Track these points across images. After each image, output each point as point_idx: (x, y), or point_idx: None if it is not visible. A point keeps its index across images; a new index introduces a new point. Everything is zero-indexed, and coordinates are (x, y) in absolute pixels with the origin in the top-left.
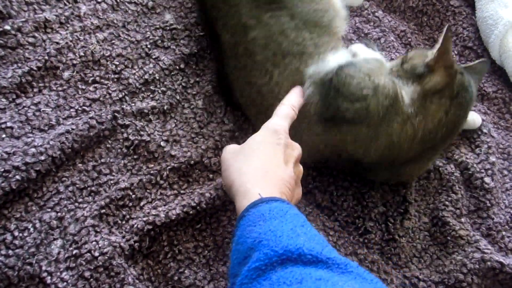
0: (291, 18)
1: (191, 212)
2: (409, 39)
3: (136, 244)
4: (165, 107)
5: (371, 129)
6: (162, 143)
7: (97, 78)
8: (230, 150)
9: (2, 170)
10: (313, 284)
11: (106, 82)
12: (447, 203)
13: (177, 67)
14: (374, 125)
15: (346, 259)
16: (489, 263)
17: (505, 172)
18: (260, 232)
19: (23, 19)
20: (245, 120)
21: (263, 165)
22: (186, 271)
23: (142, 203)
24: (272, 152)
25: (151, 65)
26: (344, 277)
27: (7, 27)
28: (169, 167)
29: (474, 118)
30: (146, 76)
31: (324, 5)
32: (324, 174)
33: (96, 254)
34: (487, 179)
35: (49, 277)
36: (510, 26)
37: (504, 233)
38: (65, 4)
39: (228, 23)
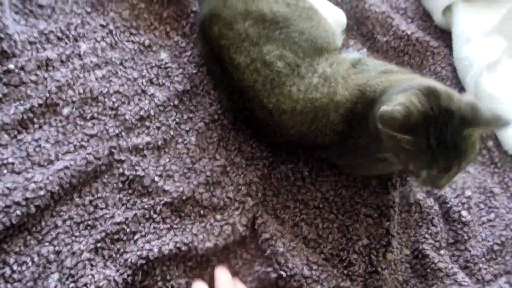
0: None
1: (183, 248)
2: None
3: (129, 278)
4: (159, 143)
5: None
6: (156, 178)
7: (95, 114)
8: None
9: (3, 205)
10: None
11: (103, 118)
12: (427, 235)
13: (171, 104)
14: None
15: None
16: None
17: (482, 205)
18: None
19: (26, 58)
20: (237, 154)
21: None
22: None
23: (136, 237)
24: None
25: (146, 102)
26: None
27: (11, 66)
28: (162, 202)
29: None
30: (142, 112)
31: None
32: (310, 207)
33: (92, 287)
34: (464, 213)
35: None
36: (484, 68)
37: (481, 265)
38: (66, 43)
39: (241, 45)
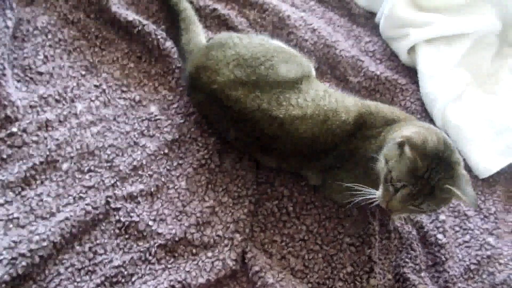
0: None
1: (177, 286)
2: None
3: None
4: (152, 189)
5: None
6: (150, 222)
7: (92, 167)
8: None
9: (10, 257)
10: None
11: (99, 170)
12: (407, 260)
13: (162, 152)
14: None
15: None
16: None
17: (457, 228)
18: None
19: (28, 121)
20: (225, 194)
21: None
22: None
23: (133, 279)
24: None
25: (139, 152)
26: None
27: (14, 129)
28: (156, 244)
29: None
30: (135, 163)
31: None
32: (296, 240)
33: None
34: (439, 236)
35: None
36: (449, 100)
37: (459, 284)
38: (63, 104)
39: (233, 84)
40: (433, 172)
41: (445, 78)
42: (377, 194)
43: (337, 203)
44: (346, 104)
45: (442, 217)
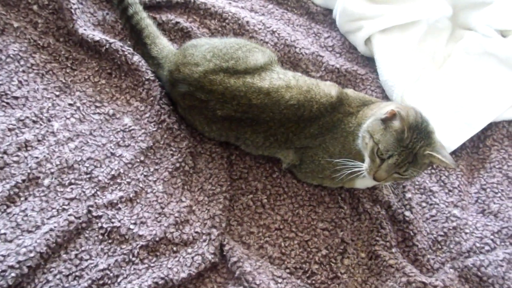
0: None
1: (160, 282)
2: None
3: None
4: (131, 195)
5: None
6: (131, 226)
7: (72, 180)
8: None
9: (0, 270)
10: None
11: (80, 182)
12: (378, 238)
13: (138, 160)
14: None
15: None
16: (414, 284)
17: (424, 204)
18: None
19: (8, 143)
20: (200, 194)
21: None
22: None
23: (119, 280)
24: None
25: (116, 162)
26: None
27: None
28: (138, 246)
29: None
30: (113, 172)
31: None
32: (272, 229)
33: None
34: (406, 213)
35: None
36: (406, 85)
37: (428, 256)
38: (40, 125)
39: (214, 72)
40: (415, 141)
41: (401, 64)
42: (364, 166)
43: (311, 184)
44: (325, 84)
45: (408, 195)
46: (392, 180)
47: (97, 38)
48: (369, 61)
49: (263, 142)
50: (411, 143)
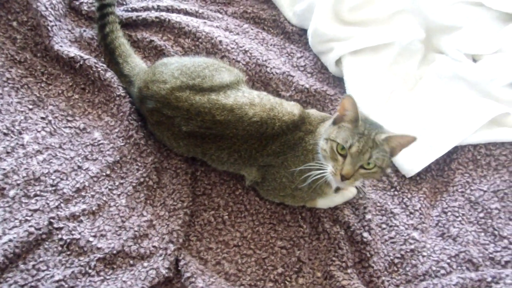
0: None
1: None
2: None
3: None
4: (94, 208)
5: None
6: (91, 239)
7: (38, 192)
8: None
9: None
10: None
11: (45, 194)
12: (334, 258)
13: (104, 174)
14: None
15: None
16: None
17: (383, 226)
18: None
19: None
20: (162, 208)
21: None
22: None
23: None
24: None
25: (82, 175)
26: None
27: None
28: (96, 258)
29: (351, 190)
30: (78, 185)
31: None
32: (230, 246)
33: None
34: (365, 234)
35: None
36: (372, 107)
37: (383, 278)
38: (11, 137)
39: (181, 89)
40: (369, 128)
41: (370, 86)
42: (329, 169)
43: (273, 201)
44: (289, 103)
45: (368, 216)
46: (360, 178)
47: (72, 54)
48: (340, 82)
49: (227, 158)
50: (366, 130)
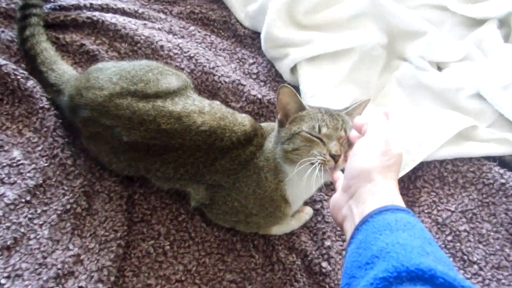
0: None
1: None
2: None
3: None
4: (8, 243)
5: None
6: (3, 281)
7: None
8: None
9: None
10: None
11: None
12: None
13: (23, 200)
14: None
15: None
16: None
17: (344, 253)
18: (387, 242)
19: None
20: (92, 240)
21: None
22: None
23: None
24: None
25: None
26: None
27: None
28: None
29: (306, 211)
30: None
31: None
32: (172, 281)
33: None
34: (324, 264)
35: None
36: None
37: None
38: None
39: (121, 95)
40: (324, 109)
41: (327, 97)
42: (316, 159)
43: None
44: (241, 115)
45: (327, 243)
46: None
47: None
48: (296, 91)
49: (173, 173)
50: (323, 110)
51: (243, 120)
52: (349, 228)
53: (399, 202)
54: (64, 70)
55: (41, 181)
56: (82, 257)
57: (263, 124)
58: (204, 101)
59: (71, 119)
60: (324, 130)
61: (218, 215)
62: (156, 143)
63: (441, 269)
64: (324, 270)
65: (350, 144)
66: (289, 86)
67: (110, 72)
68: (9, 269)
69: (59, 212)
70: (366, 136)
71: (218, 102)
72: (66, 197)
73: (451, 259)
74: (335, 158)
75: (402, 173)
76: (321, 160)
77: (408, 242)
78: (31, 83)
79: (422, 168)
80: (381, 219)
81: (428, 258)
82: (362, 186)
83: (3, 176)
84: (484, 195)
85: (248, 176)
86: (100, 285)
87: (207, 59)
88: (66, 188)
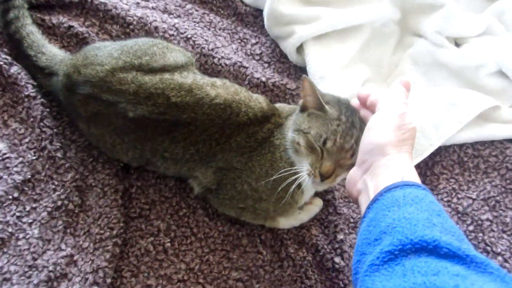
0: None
1: None
2: None
3: None
4: None
5: None
6: None
7: None
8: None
9: None
10: (450, 279)
11: None
12: None
13: (10, 197)
14: None
15: (486, 258)
16: None
17: None
18: (394, 218)
19: None
20: (86, 239)
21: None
22: None
23: None
24: None
25: None
26: (483, 277)
27: None
28: None
29: (316, 203)
30: None
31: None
32: (174, 281)
33: None
34: (336, 259)
35: None
36: None
37: None
38: None
39: (125, 70)
40: (347, 112)
41: (338, 78)
42: (304, 169)
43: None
44: (255, 94)
45: (340, 236)
46: (344, 174)
47: None
48: (303, 72)
49: (182, 154)
50: (343, 115)
51: (258, 98)
52: (363, 202)
53: (411, 175)
54: (54, 53)
55: (29, 176)
56: (75, 257)
57: (277, 104)
58: (213, 78)
59: (67, 101)
60: (329, 144)
61: (224, 201)
62: (166, 119)
63: (445, 239)
64: (337, 266)
65: (349, 167)
66: (309, 79)
67: (110, 48)
68: None
69: (49, 209)
70: (381, 111)
71: (227, 80)
72: (57, 193)
73: None
74: (321, 176)
75: (419, 159)
76: (308, 172)
77: (414, 215)
78: (15, 69)
79: (440, 153)
80: (390, 196)
81: (434, 229)
82: (376, 160)
83: None
84: (508, 181)
85: (263, 155)
86: (95, 287)
87: (206, 40)
88: (56, 183)
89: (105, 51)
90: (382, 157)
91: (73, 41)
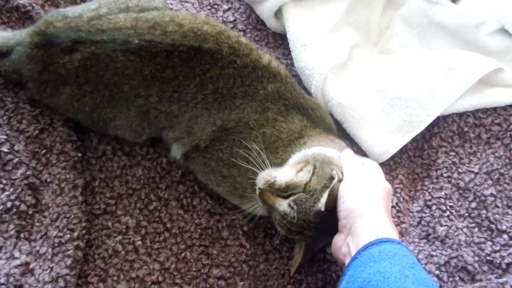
0: None
1: None
2: None
3: None
4: None
5: None
6: None
7: None
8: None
9: None
10: None
11: None
12: (289, 286)
13: None
14: None
15: None
16: None
17: None
18: (370, 273)
19: None
20: (43, 243)
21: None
22: None
23: None
24: None
25: None
26: None
27: None
28: None
29: None
30: None
31: None
32: (148, 283)
33: None
34: (328, 250)
35: None
36: (327, 73)
37: None
38: None
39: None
40: None
41: (322, 45)
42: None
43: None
44: None
45: None
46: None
47: None
48: (282, 41)
49: (194, 94)
50: None
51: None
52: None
53: (386, 231)
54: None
55: None
56: (31, 266)
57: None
58: None
59: (41, 66)
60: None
61: (210, 161)
62: (181, 49)
63: None
64: (329, 257)
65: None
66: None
67: (83, 5)
68: None
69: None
70: (347, 179)
71: None
72: (6, 193)
73: (476, 229)
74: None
75: (416, 131)
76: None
77: (387, 269)
78: None
79: (439, 123)
80: (366, 254)
81: (407, 280)
82: (354, 222)
83: None
84: None
85: (288, 124)
86: None
87: (171, 9)
88: (4, 181)
89: (77, 8)
90: (358, 218)
91: (15, 16)
